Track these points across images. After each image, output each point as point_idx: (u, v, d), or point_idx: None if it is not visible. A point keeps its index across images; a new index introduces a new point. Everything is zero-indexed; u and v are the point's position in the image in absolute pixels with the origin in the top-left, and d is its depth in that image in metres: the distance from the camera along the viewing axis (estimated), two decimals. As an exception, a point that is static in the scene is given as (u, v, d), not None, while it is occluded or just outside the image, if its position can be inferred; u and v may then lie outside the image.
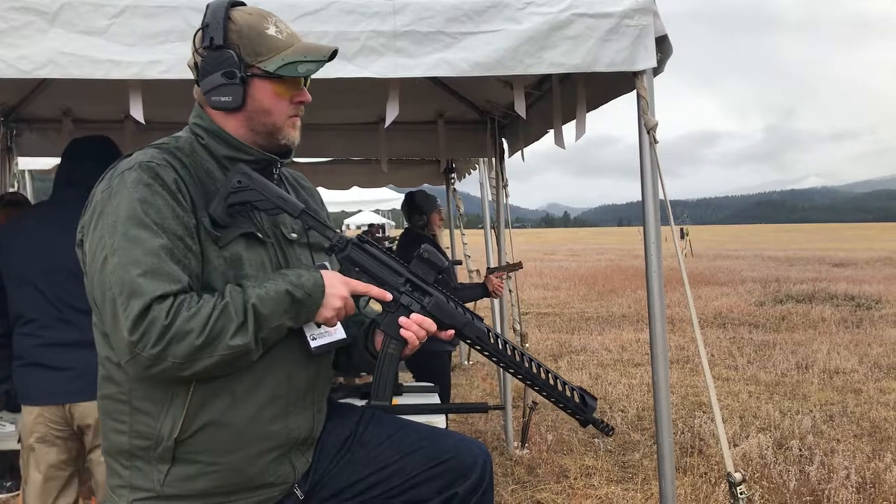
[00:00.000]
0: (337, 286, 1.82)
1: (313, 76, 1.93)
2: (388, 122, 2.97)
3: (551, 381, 1.95)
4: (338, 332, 1.92)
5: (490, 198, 6.21)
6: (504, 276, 5.20)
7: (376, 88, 3.03)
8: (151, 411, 1.73)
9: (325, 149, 6.16)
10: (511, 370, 1.95)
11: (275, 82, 1.83)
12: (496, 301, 6.18)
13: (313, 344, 1.86)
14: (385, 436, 2.05)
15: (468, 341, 1.93)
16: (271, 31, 1.84)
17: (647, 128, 2.75)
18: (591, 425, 1.98)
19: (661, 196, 2.80)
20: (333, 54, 1.88)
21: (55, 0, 2.53)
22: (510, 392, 5.92)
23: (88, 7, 2.55)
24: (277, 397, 1.82)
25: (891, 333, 10.83)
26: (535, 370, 1.94)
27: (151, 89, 2.80)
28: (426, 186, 7.37)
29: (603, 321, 12.96)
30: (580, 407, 1.97)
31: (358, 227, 25.64)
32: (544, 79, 3.41)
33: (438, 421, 3.46)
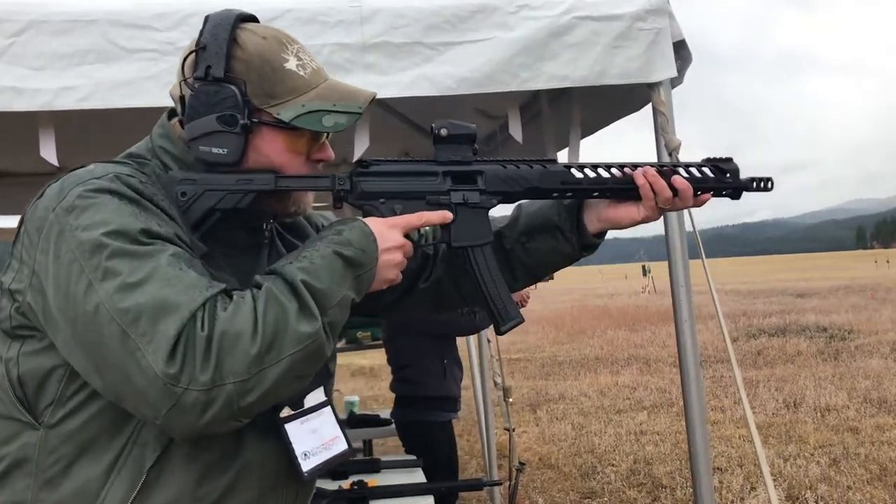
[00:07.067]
0: (386, 233, 1.34)
1: None
2: (356, 155, 2.49)
3: (685, 175, 1.53)
4: (337, 445, 1.43)
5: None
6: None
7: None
8: None
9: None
10: (621, 195, 1.53)
11: (290, 134, 1.36)
12: (474, 351, 5.72)
13: (306, 466, 1.36)
14: None
15: (554, 195, 1.53)
16: (291, 64, 1.35)
17: (668, 149, 2.31)
18: (746, 192, 1.57)
19: (688, 227, 2.37)
20: (371, 101, 1.41)
21: (-64, 15, 2.04)
22: (494, 452, 5.39)
23: (-19, 24, 2.07)
24: None
25: (872, 364, 10.55)
26: (649, 176, 1.51)
27: (67, 123, 2.30)
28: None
29: (577, 364, 12.55)
30: (723, 181, 1.55)
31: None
32: (532, 100, 2.99)
33: (427, 504, 2.95)
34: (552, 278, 4.83)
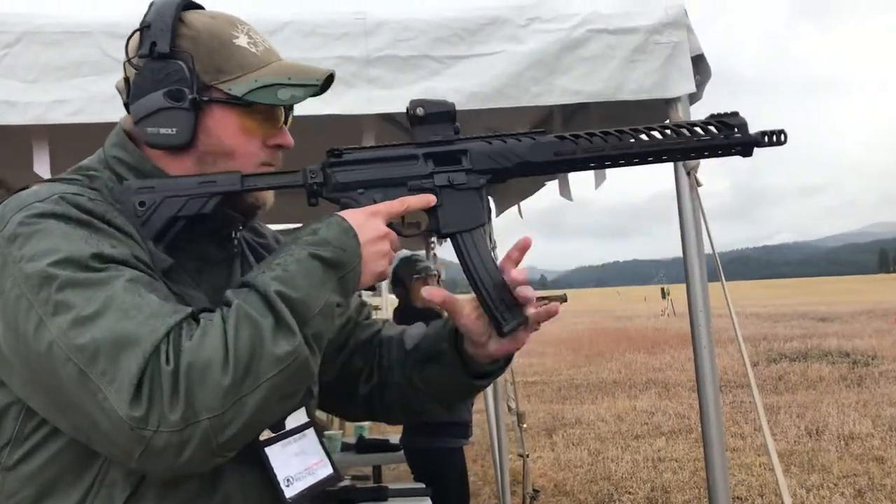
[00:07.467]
0: (367, 224, 1.21)
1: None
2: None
3: (687, 134, 1.34)
4: (322, 469, 1.33)
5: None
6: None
7: (345, 130, 2.47)
8: None
9: (276, 214, 5.49)
10: (627, 162, 1.35)
11: (243, 113, 1.25)
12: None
13: (290, 492, 1.24)
14: None
15: (549, 168, 1.36)
16: (241, 41, 1.26)
17: (686, 168, 2.22)
18: (757, 147, 1.35)
19: (707, 249, 2.26)
20: (329, 80, 1.30)
21: (-73, 27, 1.99)
22: (508, 479, 5.26)
23: (-28, 35, 2.01)
24: None
25: (898, 391, 10.32)
26: (645, 138, 1.33)
27: (62, 137, 2.23)
28: (404, 252, 6.80)
29: (594, 388, 12.37)
30: (732, 138, 1.34)
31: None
32: (546, 117, 2.90)
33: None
34: (566, 300, 4.72)
